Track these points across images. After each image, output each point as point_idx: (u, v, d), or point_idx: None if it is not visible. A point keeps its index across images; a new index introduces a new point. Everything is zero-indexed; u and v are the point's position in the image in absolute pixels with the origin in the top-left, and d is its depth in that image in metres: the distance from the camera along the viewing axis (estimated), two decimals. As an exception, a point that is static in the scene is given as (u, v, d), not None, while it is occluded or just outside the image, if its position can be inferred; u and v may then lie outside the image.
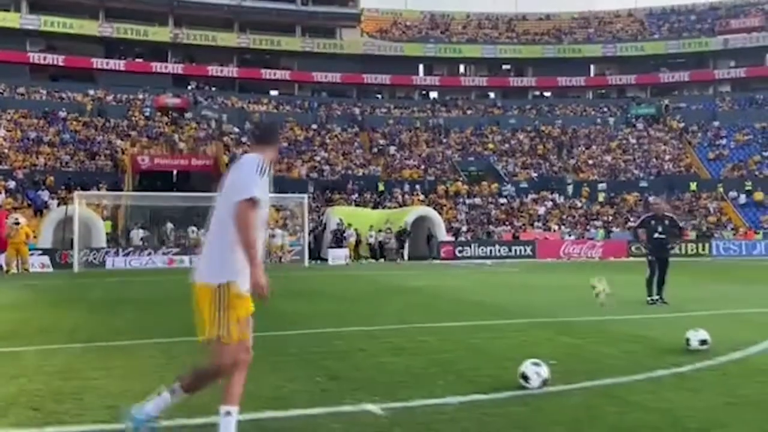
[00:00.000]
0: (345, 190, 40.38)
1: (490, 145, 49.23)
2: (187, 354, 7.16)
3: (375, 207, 38.56)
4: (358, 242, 32.54)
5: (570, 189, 43.83)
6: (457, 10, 65.19)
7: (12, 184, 34.79)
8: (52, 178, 35.98)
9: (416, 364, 6.49)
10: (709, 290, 15.14)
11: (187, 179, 41.78)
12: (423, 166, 45.54)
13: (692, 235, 36.95)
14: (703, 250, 34.82)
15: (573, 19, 63.86)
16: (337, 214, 33.24)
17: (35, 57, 49.74)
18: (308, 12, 56.13)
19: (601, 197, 43.20)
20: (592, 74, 60.32)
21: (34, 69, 49.69)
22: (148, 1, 52.54)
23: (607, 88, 60.87)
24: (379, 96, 58.50)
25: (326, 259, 30.28)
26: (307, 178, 40.79)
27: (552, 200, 42.55)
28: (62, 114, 44.26)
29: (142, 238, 31.05)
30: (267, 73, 54.65)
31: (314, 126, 49.29)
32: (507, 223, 38.85)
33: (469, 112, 55.28)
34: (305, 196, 31.06)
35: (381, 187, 41.58)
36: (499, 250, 33.63)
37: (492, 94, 60.01)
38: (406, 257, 31.99)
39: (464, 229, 37.28)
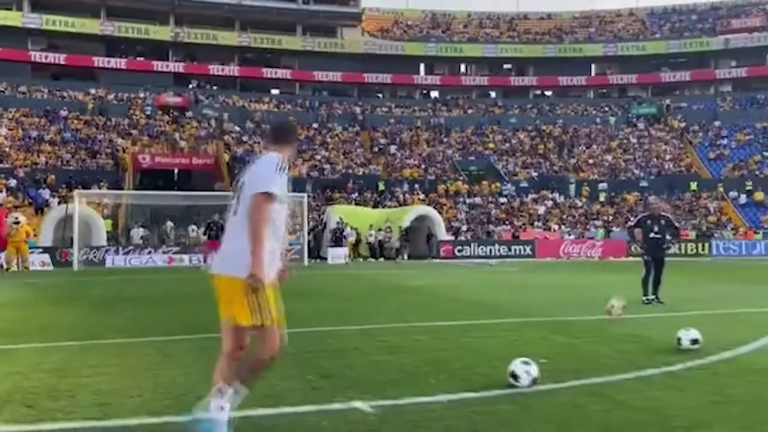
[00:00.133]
0: (345, 189, 40.45)
1: (491, 145, 49.28)
2: (182, 352, 7.25)
3: (375, 206, 38.62)
4: (358, 241, 32.60)
5: (572, 188, 43.86)
6: (459, 9, 65.29)
7: (13, 182, 34.90)
8: (53, 176, 36.09)
9: (409, 363, 6.54)
10: (707, 290, 15.18)
11: (188, 178, 41.92)
12: (423, 166, 45.59)
13: (692, 234, 37.00)
14: (703, 249, 34.84)
15: (574, 19, 63.88)
16: (338, 213, 33.29)
17: (37, 56, 49.88)
18: (309, 11, 56.20)
19: (602, 197, 43.23)
20: (593, 74, 60.39)
21: (36, 68, 49.83)
22: (150, 0, 52.59)
23: (608, 88, 60.91)
24: (380, 95, 58.58)
25: (326, 258, 30.34)
26: (307, 177, 40.84)
27: (552, 200, 42.59)
28: (63, 113, 44.38)
29: (142, 237, 31.14)
30: (268, 72, 54.72)
31: (315, 125, 49.36)
32: (507, 222, 38.89)
33: (470, 111, 55.34)
34: (305, 195, 31.10)
35: (381, 187, 41.65)
36: (499, 250, 33.67)
37: (493, 94, 60.06)
38: (405, 256, 32.03)
39: (464, 228, 37.33)
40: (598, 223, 39.64)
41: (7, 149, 38.60)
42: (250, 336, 4.07)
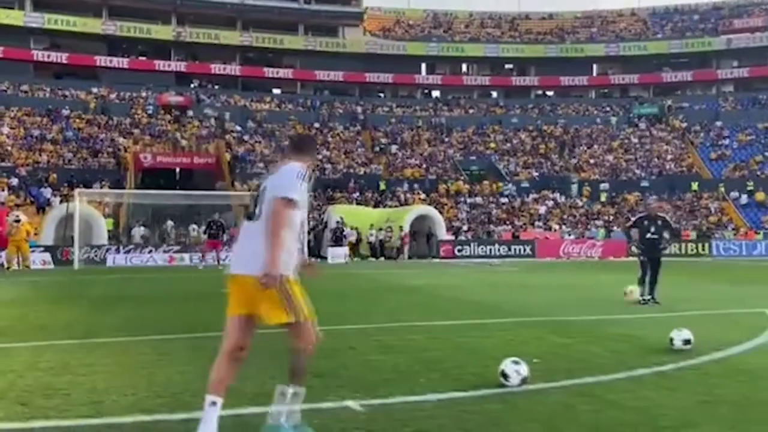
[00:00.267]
0: (346, 189, 40.49)
1: (492, 145, 49.30)
2: (178, 351, 7.30)
3: (376, 206, 38.66)
4: (358, 241, 32.65)
5: (575, 188, 43.88)
6: (460, 9, 65.23)
7: (15, 181, 34.99)
8: (54, 175, 36.17)
9: (402, 362, 6.59)
10: (704, 290, 15.19)
11: (189, 177, 42.00)
12: (424, 165, 45.63)
13: (692, 235, 37.01)
14: (703, 250, 34.84)
15: (576, 19, 63.85)
16: (338, 213, 33.34)
17: (39, 55, 49.98)
18: (311, 11, 56.23)
19: (603, 197, 43.25)
20: (594, 74, 60.35)
21: (38, 67, 49.91)
22: (152, -1, 52.74)
23: (609, 88, 60.89)
24: (382, 95, 58.60)
25: (326, 258, 30.38)
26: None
27: (553, 199, 42.61)
28: (65, 112, 44.47)
29: (142, 236, 31.22)
30: (270, 72, 54.76)
31: (316, 124, 49.40)
32: (508, 222, 38.92)
33: (471, 111, 55.36)
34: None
35: (382, 186, 41.69)
36: (499, 250, 33.69)
37: (494, 94, 60.08)
38: (405, 256, 32.10)
39: (465, 228, 37.36)
40: (599, 223, 39.66)
41: (9, 148, 38.69)
42: (285, 333, 4.24)
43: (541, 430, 4.44)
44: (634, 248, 12.22)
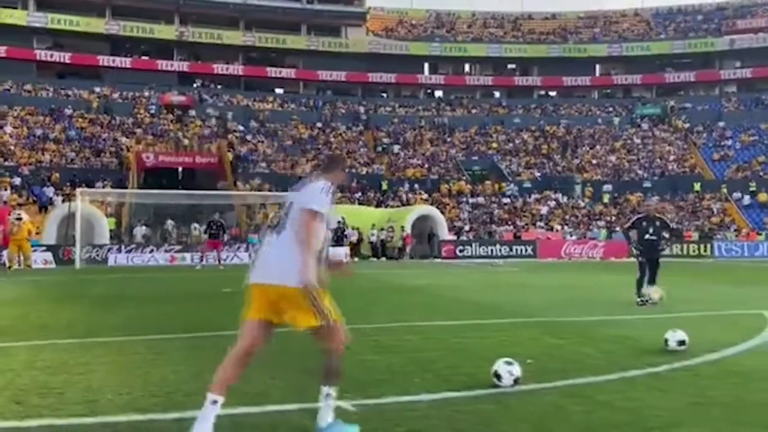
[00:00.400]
0: (349, 189, 40.51)
1: (494, 145, 49.32)
2: (174, 350, 7.33)
3: (378, 206, 38.70)
4: (359, 241, 32.68)
5: (578, 189, 43.87)
6: (463, 9, 65.22)
7: (17, 180, 35.09)
8: (57, 174, 36.27)
9: (397, 363, 6.61)
10: (703, 291, 15.18)
11: (192, 177, 42.10)
12: (427, 165, 45.66)
13: (694, 235, 36.98)
14: (705, 251, 34.83)
15: (579, 19, 63.81)
16: (339, 213, 33.35)
17: (42, 54, 50.11)
18: (314, 10, 56.29)
19: (606, 198, 43.23)
20: (597, 74, 60.33)
21: (41, 66, 50.04)
22: (155, -1, 52.84)
23: (612, 88, 60.83)
24: (384, 95, 58.65)
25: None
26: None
27: (555, 200, 42.60)
28: (68, 111, 44.58)
29: (144, 235, 31.28)
30: (272, 72, 54.84)
31: (319, 124, 49.47)
32: (509, 222, 38.92)
33: (473, 111, 55.37)
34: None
35: (384, 186, 41.72)
36: (500, 250, 33.72)
37: (497, 94, 60.08)
38: (407, 256, 32.13)
39: (466, 228, 37.37)
40: (601, 223, 39.64)
41: (12, 147, 38.80)
42: (316, 337, 4.40)
43: (532, 431, 4.47)
44: (632, 249, 12.19)
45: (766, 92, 54.83)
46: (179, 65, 53.62)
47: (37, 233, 26.75)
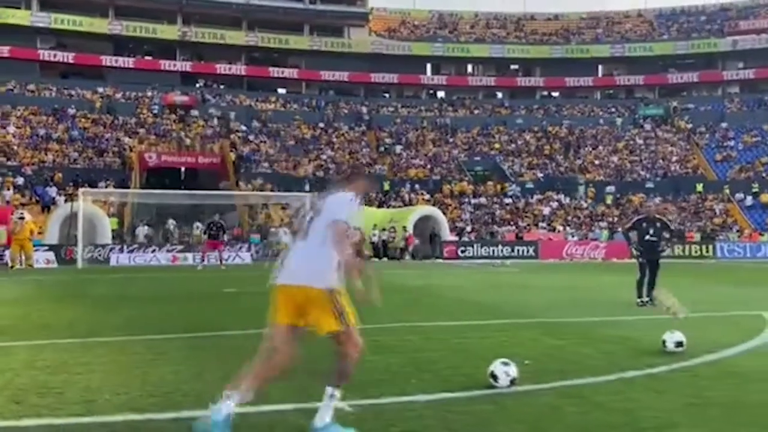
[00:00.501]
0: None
1: (497, 145, 49.32)
2: (174, 350, 7.36)
3: (380, 206, 38.71)
4: (361, 241, 32.68)
5: (581, 190, 43.84)
6: (466, 9, 65.20)
7: (20, 180, 35.16)
8: (60, 174, 36.34)
9: (396, 363, 6.62)
10: (705, 292, 15.14)
11: (195, 177, 42.14)
12: (429, 166, 45.67)
13: (697, 236, 36.94)
14: (707, 252, 34.79)
15: (581, 19, 63.74)
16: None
17: (45, 54, 50.21)
18: (316, 11, 56.33)
19: (608, 199, 43.19)
20: (600, 75, 60.25)
21: (44, 66, 50.15)
22: (157, -1, 52.93)
23: (615, 89, 60.77)
24: (387, 95, 58.66)
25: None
26: (313, 177, 40.98)
27: (557, 201, 42.58)
28: (71, 111, 44.68)
29: (146, 235, 31.33)
30: (275, 72, 54.88)
31: (321, 124, 49.51)
32: (511, 223, 38.91)
33: (476, 111, 55.36)
34: (308, 194, 31.23)
35: (386, 186, 41.73)
36: (502, 251, 33.71)
37: (499, 94, 60.06)
38: (408, 256, 32.14)
39: (468, 228, 37.37)
40: (603, 224, 39.60)
41: (15, 147, 38.89)
42: (335, 340, 4.51)
43: (528, 431, 4.48)
44: (633, 250, 12.19)
45: (769, 93, 54.78)
46: (182, 65, 53.70)
47: (39, 233, 26.79)
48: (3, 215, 27.94)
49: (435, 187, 42.42)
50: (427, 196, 40.62)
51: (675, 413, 4.83)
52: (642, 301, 11.70)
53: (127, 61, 51.60)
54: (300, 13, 56.13)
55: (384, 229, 32.90)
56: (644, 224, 12.07)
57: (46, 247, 27.12)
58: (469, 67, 61.41)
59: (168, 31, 53.27)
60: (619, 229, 37.83)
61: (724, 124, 51.70)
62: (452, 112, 54.78)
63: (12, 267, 23.49)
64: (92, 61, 50.61)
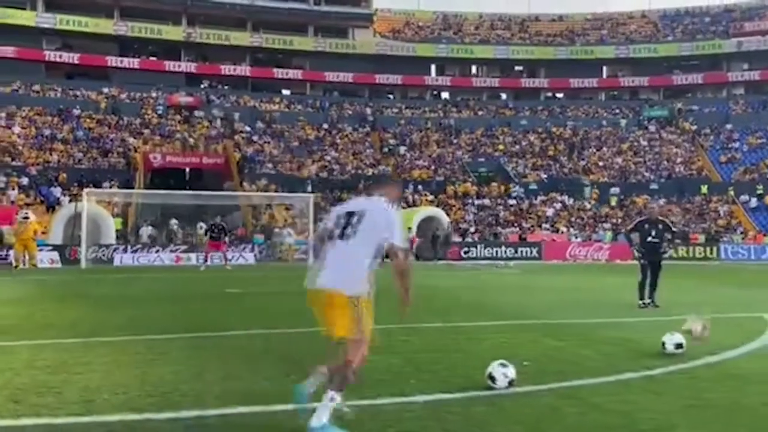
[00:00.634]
0: (355, 190, 40.52)
1: (501, 146, 49.27)
2: (174, 351, 7.37)
3: (384, 207, 38.63)
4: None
5: (587, 191, 43.75)
6: (470, 10, 65.19)
7: (25, 180, 35.25)
8: (64, 174, 36.42)
9: (395, 364, 6.63)
10: (708, 294, 15.12)
11: (199, 177, 42.22)
12: (433, 167, 45.64)
13: (701, 238, 36.85)
14: (711, 253, 34.70)
15: (586, 21, 63.65)
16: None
17: (51, 55, 50.31)
18: (321, 12, 56.35)
19: (613, 201, 43.11)
20: (604, 76, 60.08)
21: (50, 67, 50.24)
22: (163, 0, 52.96)
23: (619, 90, 60.63)
24: (391, 96, 58.63)
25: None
26: (316, 178, 41.03)
27: (561, 202, 42.53)
28: (76, 111, 44.78)
29: (149, 236, 31.38)
30: (279, 73, 54.89)
31: (325, 125, 49.52)
32: (515, 224, 38.87)
33: (480, 112, 55.31)
34: (311, 195, 31.35)
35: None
36: (505, 252, 33.68)
37: (504, 95, 59.99)
38: (411, 257, 32.15)
39: (472, 230, 37.35)
40: (607, 225, 39.53)
41: (20, 147, 39.00)
42: (344, 346, 4.60)
43: (525, 433, 4.49)
44: (635, 252, 12.17)
45: (774, 94, 54.62)
46: (187, 66, 53.76)
47: (43, 233, 26.86)
48: (8, 216, 28.04)
49: (438, 188, 42.40)
50: (430, 197, 40.60)
51: (673, 415, 4.84)
52: (644, 303, 11.68)
53: (132, 62, 51.68)
54: (304, 14, 56.17)
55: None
56: (646, 226, 12.06)
57: (50, 247, 27.18)
58: (474, 68, 61.35)
59: (173, 32, 53.36)
60: (623, 231, 37.91)
61: (728, 126, 51.56)
62: (456, 113, 54.75)
63: (16, 267, 23.56)
64: (97, 61, 50.71)
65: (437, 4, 64.27)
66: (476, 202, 41.51)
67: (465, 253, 33.17)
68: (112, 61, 51.19)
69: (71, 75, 51.15)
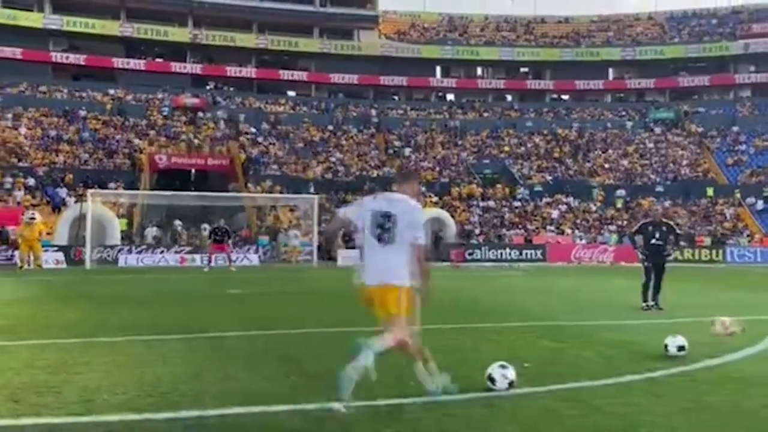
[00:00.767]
0: (360, 191, 40.52)
1: (506, 148, 49.19)
2: (173, 351, 7.38)
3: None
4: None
5: (595, 193, 43.62)
6: (476, 12, 65.20)
7: (31, 181, 35.36)
8: (71, 175, 36.51)
9: (393, 365, 6.60)
10: (713, 297, 15.09)
11: (204, 178, 42.24)
12: (438, 168, 45.61)
13: (707, 241, 36.72)
14: (717, 256, 34.54)
15: (592, 22, 63.52)
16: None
17: (57, 56, 50.48)
18: (326, 13, 56.40)
19: (619, 203, 42.99)
20: (610, 78, 59.94)
21: (56, 68, 50.43)
22: (169, 2, 53.10)
23: (625, 92, 60.44)
24: (396, 98, 58.61)
25: (335, 259, 30.38)
26: (321, 179, 41.04)
27: (566, 204, 42.43)
28: (82, 113, 44.89)
29: (154, 237, 31.43)
30: (285, 74, 54.99)
31: (330, 127, 49.53)
32: (520, 226, 38.80)
33: (485, 114, 55.25)
34: (315, 196, 31.37)
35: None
36: (510, 254, 33.60)
37: (509, 97, 59.87)
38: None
39: (477, 231, 37.30)
40: (612, 228, 39.43)
41: (26, 148, 39.13)
42: (388, 326, 5.17)
43: (523, 434, 4.48)
44: (639, 254, 12.14)
45: (781, 97, 54.40)
46: (192, 67, 53.88)
47: (48, 233, 26.94)
48: (14, 216, 28.13)
49: (443, 190, 42.35)
50: (435, 199, 40.56)
51: (673, 417, 4.82)
52: (647, 305, 11.65)
53: (138, 63, 51.83)
54: (310, 15, 56.22)
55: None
56: (650, 228, 12.03)
57: (56, 248, 27.24)
58: (479, 70, 61.28)
59: (179, 34, 53.50)
60: (627, 233, 37.81)
61: (735, 128, 51.37)
62: (461, 114, 54.69)
63: (21, 267, 23.64)
64: (104, 63, 50.86)
65: (443, 6, 64.61)
66: (481, 203, 41.45)
67: (470, 255, 33.09)
68: (118, 62, 51.32)
69: (77, 76, 51.31)
